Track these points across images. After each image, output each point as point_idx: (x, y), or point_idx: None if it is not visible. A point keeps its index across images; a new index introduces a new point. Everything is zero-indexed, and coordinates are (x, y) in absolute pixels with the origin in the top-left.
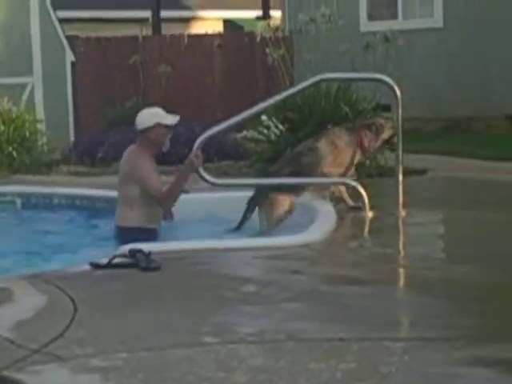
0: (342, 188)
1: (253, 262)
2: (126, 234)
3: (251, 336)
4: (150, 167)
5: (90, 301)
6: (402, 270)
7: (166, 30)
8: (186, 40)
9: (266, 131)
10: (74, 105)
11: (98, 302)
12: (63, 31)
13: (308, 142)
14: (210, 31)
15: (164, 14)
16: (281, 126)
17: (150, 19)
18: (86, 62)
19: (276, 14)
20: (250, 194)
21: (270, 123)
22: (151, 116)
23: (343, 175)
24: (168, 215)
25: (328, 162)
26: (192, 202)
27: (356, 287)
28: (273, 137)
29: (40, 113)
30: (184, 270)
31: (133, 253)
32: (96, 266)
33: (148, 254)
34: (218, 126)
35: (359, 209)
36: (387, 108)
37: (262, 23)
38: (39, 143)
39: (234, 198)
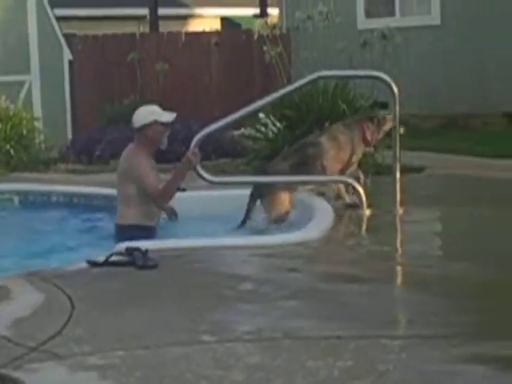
0: (341, 185)
1: (250, 259)
2: (123, 232)
3: (248, 334)
4: (146, 165)
5: (87, 299)
6: (399, 268)
7: (164, 27)
8: (183, 37)
9: (263, 129)
10: (71, 102)
11: (96, 300)
12: (61, 29)
13: (311, 137)
14: (207, 29)
15: (161, 11)
16: (278, 124)
17: (148, 17)
18: (84, 59)
19: (273, 11)
20: (249, 190)
21: (268, 121)
22: (148, 114)
23: (345, 170)
24: (172, 214)
25: (330, 157)
26: (190, 200)
27: (353, 285)
28: (270, 134)
29: (37, 111)
30: (181, 268)
31: (130, 251)
32: (93, 264)
33: (145, 252)
34: (215, 123)
35: (357, 207)
36: (384, 105)
37: (259, 21)
38: (37, 141)
39: (233, 196)
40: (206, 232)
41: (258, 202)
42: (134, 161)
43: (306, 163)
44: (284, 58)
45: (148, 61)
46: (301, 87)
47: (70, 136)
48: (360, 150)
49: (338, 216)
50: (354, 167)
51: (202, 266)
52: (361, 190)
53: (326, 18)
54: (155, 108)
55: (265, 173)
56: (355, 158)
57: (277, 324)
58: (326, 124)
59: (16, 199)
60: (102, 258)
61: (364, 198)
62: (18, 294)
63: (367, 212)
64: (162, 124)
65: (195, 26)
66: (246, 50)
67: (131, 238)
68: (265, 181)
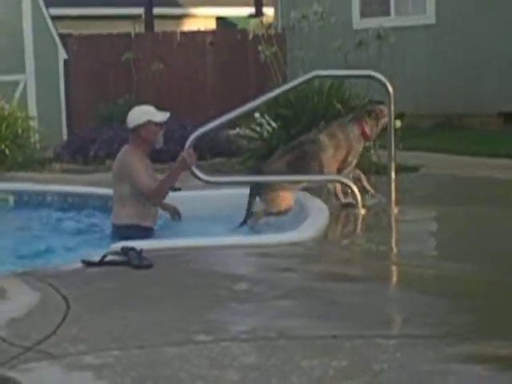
0: (337, 184)
1: (245, 259)
2: (119, 232)
3: (243, 334)
4: (139, 165)
5: (82, 298)
6: (394, 267)
7: (159, 27)
8: (178, 37)
9: (258, 128)
10: (66, 102)
11: (91, 299)
12: (56, 28)
13: (310, 134)
14: (202, 28)
15: (157, 11)
16: (273, 123)
17: (143, 16)
18: (79, 59)
19: (269, 11)
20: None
21: (263, 120)
22: (142, 114)
23: (343, 170)
24: (175, 214)
25: (329, 154)
26: (193, 199)
27: (348, 284)
28: (265, 134)
29: (32, 110)
30: (176, 267)
31: (125, 250)
32: (88, 264)
33: (140, 252)
34: (210, 123)
35: (352, 206)
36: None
37: (254, 20)
38: (32, 140)
39: (236, 195)
40: (209, 232)
41: (258, 199)
42: (127, 160)
43: (304, 158)
44: (279, 57)
45: (143, 60)
46: (297, 86)
47: (65, 136)
48: (360, 145)
49: (334, 215)
50: (351, 167)
51: (197, 266)
52: (356, 189)
53: (321, 17)
54: (149, 108)
55: (260, 172)
56: (353, 157)
57: (272, 323)
58: (322, 123)
59: (11, 199)
60: (97, 258)
61: (359, 198)
62: (13, 293)
63: (362, 211)
64: (156, 124)
65: (190, 26)
66: (241, 50)
67: (127, 238)
68: (260, 180)
